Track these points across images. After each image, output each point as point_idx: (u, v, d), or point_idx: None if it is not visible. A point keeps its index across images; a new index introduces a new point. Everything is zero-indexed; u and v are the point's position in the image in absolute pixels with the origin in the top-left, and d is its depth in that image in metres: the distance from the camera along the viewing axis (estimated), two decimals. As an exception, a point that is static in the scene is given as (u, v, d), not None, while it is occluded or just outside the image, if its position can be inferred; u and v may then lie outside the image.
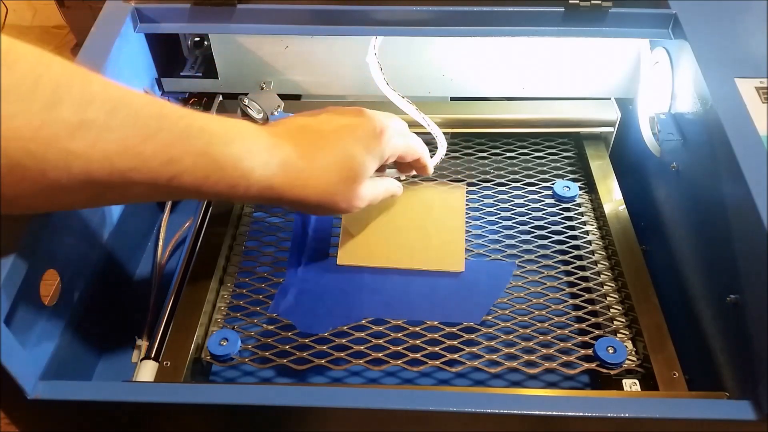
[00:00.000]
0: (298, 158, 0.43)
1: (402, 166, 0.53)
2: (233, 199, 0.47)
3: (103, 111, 0.34)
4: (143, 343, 0.52)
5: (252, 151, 0.40)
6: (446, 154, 0.60)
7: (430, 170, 0.54)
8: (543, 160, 0.64)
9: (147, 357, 0.48)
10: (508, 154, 0.64)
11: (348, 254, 0.53)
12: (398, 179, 0.54)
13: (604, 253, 0.55)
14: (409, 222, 0.55)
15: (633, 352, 0.48)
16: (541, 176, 0.62)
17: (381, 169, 0.50)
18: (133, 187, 0.36)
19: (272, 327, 0.50)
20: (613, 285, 0.53)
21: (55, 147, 0.32)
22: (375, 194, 0.49)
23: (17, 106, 0.31)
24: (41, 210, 0.41)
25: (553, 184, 0.61)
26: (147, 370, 0.47)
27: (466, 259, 0.53)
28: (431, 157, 0.58)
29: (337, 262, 0.52)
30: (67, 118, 0.32)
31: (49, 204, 0.37)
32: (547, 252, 0.55)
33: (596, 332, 0.49)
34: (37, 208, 0.39)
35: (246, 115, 0.58)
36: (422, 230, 0.54)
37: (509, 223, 0.58)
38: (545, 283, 0.53)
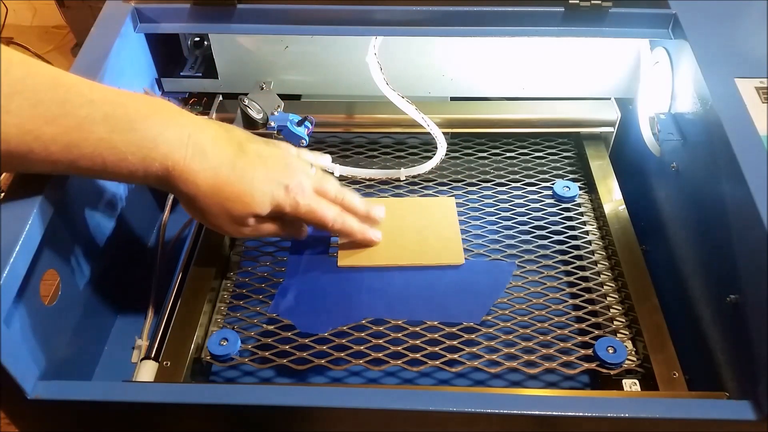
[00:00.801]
0: (208, 157, 0.43)
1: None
2: (131, 182, 0.51)
3: (6, 93, 0.35)
4: (143, 343, 0.52)
5: (157, 140, 0.41)
6: (446, 154, 0.60)
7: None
8: (543, 160, 0.64)
9: (147, 357, 0.48)
10: (508, 154, 0.64)
11: (348, 256, 0.53)
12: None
13: (604, 253, 0.55)
14: (405, 224, 0.55)
15: (633, 352, 0.48)
16: (541, 176, 0.62)
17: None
18: (35, 165, 0.38)
19: (272, 327, 0.50)
20: (613, 285, 0.53)
21: None
22: (269, 231, 0.49)
23: None
24: None
25: (553, 184, 0.61)
26: (147, 370, 0.47)
27: (466, 259, 0.53)
28: (432, 158, 0.59)
29: (338, 264, 0.52)
30: None
31: None
32: (547, 252, 0.55)
33: (596, 332, 0.49)
34: None
35: (246, 115, 0.58)
36: (419, 230, 0.55)
37: (509, 223, 0.58)
38: (545, 283, 0.53)
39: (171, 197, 0.60)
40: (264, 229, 0.49)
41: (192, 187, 0.43)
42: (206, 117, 0.49)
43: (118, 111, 0.40)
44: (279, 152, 0.48)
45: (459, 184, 0.62)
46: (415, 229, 0.54)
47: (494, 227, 0.57)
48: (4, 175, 0.70)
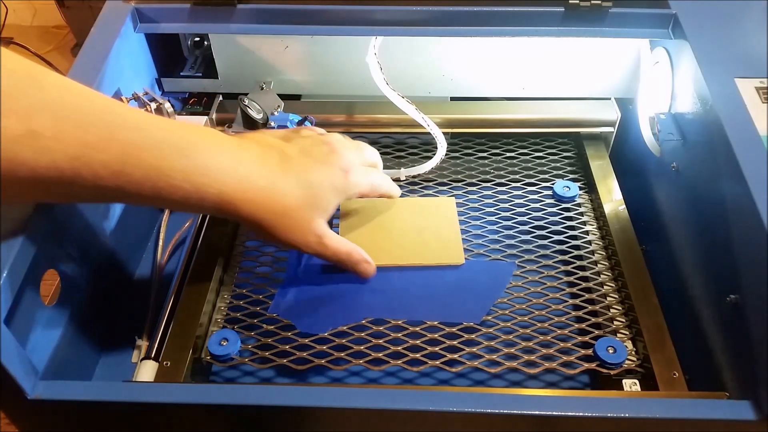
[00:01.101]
0: (259, 177, 0.42)
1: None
2: (188, 210, 0.47)
3: (53, 119, 0.34)
4: (143, 343, 0.52)
5: (208, 167, 0.40)
6: (446, 154, 0.60)
7: (396, 195, 0.54)
8: (543, 160, 0.64)
9: (147, 357, 0.48)
10: (508, 154, 0.64)
11: None
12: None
13: (604, 253, 0.55)
14: (404, 224, 0.55)
15: (633, 352, 0.48)
16: (541, 176, 0.62)
17: None
18: (81, 191, 0.37)
19: (272, 327, 0.50)
20: (613, 285, 0.53)
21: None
22: (337, 248, 0.48)
23: None
24: None
25: (553, 184, 0.61)
26: (147, 370, 0.47)
27: (466, 259, 0.53)
28: (432, 158, 0.59)
29: None
30: (13, 127, 0.33)
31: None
32: (547, 252, 0.55)
33: (596, 332, 0.49)
34: None
35: (246, 115, 0.58)
36: (418, 230, 0.55)
37: (509, 223, 0.58)
38: (545, 283, 0.53)
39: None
40: (332, 240, 0.47)
41: (253, 209, 0.42)
42: (241, 133, 0.48)
43: (167, 137, 0.39)
44: (315, 139, 0.48)
45: (459, 184, 0.62)
46: (415, 229, 0.54)
47: (494, 227, 0.57)
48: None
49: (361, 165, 0.49)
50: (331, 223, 0.54)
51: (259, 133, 0.48)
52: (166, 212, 0.61)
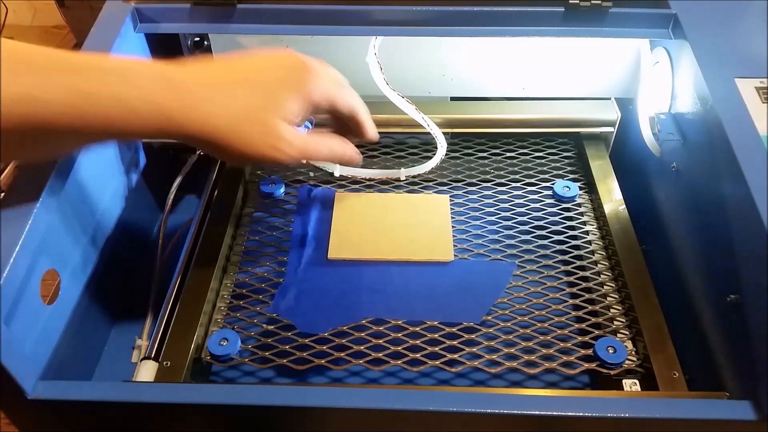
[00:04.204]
0: (203, 87, 0.39)
1: (339, 129, 0.49)
2: (134, 136, 0.43)
3: None
4: (143, 343, 0.52)
5: (139, 80, 0.37)
6: (446, 154, 0.60)
7: (371, 134, 0.49)
8: (543, 160, 0.64)
9: (147, 357, 0.48)
10: (508, 154, 0.64)
11: (339, 248, 0.53)
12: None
13: (604, 253, 0.55)
14: (396, 220, 0.56)
15: (633, 352, 0.48)
16: (541, 176, 0.62)
17: None
18: (37, 133, 0.35)
19: (272, 327, 0.50)
20: (613, 285, 0.53)
21: None
22: (315, 147, 0.43)
23: None
24: None
25: (553, 184, 0.61)
26: (147, 370, 0.47)
27: (466, 259, 0.53)
28: (432, 158, 0.58)
29: (328, 256, 0.53)
30: None
31: None
32: (547, 252, 0.55)
33: (596, 332, 0.49)
34: None
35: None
36: (410, 227, 0.55)
37: (509, 223, 0.58)
38: (545, 283, 0.53)
39: (171, 196, 0.60)
40: (303, 138, 0.43)
41: (199, 120, 0.38)
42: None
43: (87, 61, 0.36)
44: (268, 55, 0.43)
45: (459, 184, 0.62)
46: (407, 226, 0.55)
47: (494, 227, 0.57)
48: (4, 174, 0.70)
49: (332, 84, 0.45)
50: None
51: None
52: (166, 212, 0.61)
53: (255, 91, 0.40)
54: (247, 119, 0.40)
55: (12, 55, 0.34)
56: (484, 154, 0.65)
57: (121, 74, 0.37)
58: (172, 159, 0.63)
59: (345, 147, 0.47)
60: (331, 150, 0.46)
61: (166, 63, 0.39)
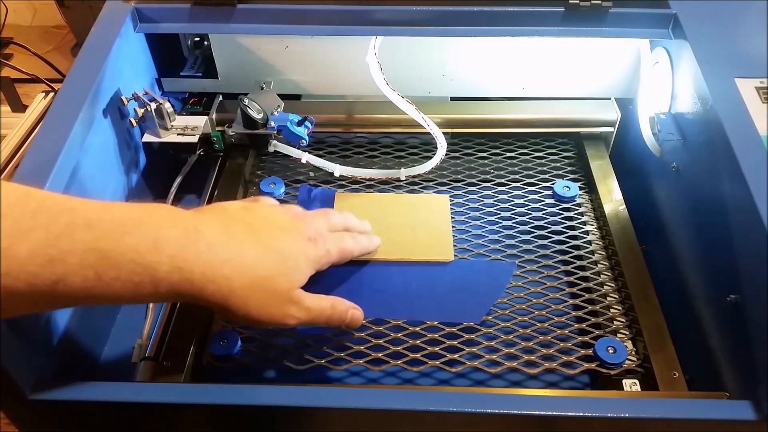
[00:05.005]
0: (222, 248, 0.37)
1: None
2: (143, 300, 0.38)
3: None
4: (143, 343, 0.52)
5: (158, 242, 0.35)
6: (446, 154, 0.60)
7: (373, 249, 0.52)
8: (543, 160, 0.64)
9: (147, 357, 0.48)
10: (508, 154, 0.64)
11: None
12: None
13: (604, 253, 0.55)
14: (396, 220, 0.55)
15: (633, 352, 0.48)
16: (541, 176, 0.62)
17: None
18: (12, 297, 0.31)
19: (272, 327, 0.49)
20: (613, 285, 0.53)
21: None
22: (320, 307, 0.43)
23: None
24: None
25: (553, 184, 0.61)
26: (147, 370, 0.47)
27: (466, 259, 0.53)
28: (432, 158, 0.58)
29: None
30: None
31: None
32: (547, 252, 0.55)
33: (596, 332, 0.49)
34: None
35: (246, 115, 0.58)
36: (410, 226, 0.55)
37: (509, 223, 0.58)
38: (545, 283, 0.53)
39: (171, 196, 0.60)
40: (312, 301, 0.43)
41: (218, 285, 0.37)
42: (197, 207, 0.43)
43: (104, 215, 0.34)
44: (277, 208, 0.45)
45: (459, 184, 0.62)
46: (407, 225, 0.55)
47: (494, 227, 0.57)
48: (4, 174, 0.70)
49: (330, 231, 0.47)
50: None
51: (216, 204, 0.44)
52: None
53: (278, 259, 0.40)
54: (268, 287, 0.40)
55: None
56: (484, 154, 0.65)
57: (137, 234, 0.35)
58: (172, 159, 0.63)
59: (349, 307, 0.47)
60: (333, 306, 0.46)
61: (186, 215, 0.38)
